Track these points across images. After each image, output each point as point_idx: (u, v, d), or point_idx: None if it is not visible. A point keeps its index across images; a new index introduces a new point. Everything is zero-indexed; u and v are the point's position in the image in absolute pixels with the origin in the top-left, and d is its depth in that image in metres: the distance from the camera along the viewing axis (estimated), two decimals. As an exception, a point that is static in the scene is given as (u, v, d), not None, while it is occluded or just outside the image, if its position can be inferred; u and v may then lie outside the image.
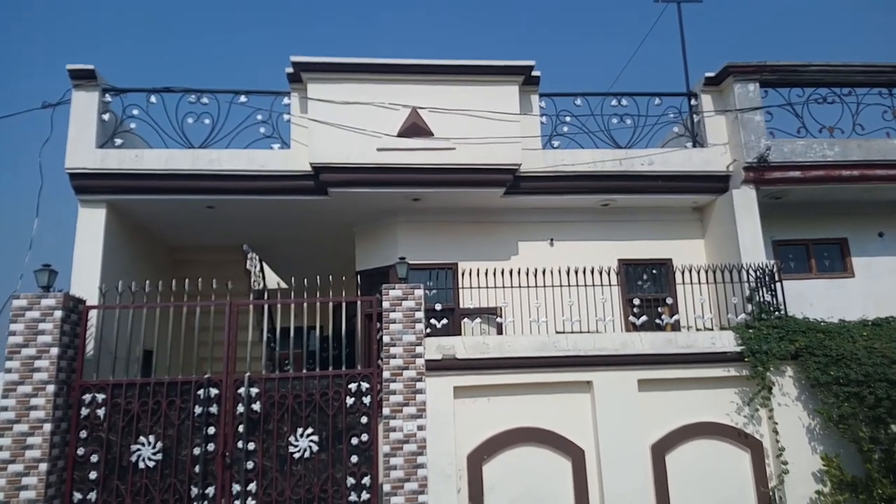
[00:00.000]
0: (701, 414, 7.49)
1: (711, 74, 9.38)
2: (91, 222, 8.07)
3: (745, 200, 8.98)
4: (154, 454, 6.65)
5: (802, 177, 8.97)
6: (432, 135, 8.37)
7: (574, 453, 7.27)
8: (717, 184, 9.21)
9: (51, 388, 6.47)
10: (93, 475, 6.55)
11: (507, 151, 8.48)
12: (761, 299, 8.24)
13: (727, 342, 7.62)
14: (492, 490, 7.08)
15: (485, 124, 8.45)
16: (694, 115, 9.57)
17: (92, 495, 6.51)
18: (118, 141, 8.33)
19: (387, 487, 6.72)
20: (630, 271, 9.61)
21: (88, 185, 8.06)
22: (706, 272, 8.42)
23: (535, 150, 8.95)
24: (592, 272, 8.14)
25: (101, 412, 6.70)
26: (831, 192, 9.37)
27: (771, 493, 7.27)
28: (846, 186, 9.15)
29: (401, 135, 8.33)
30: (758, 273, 8.39)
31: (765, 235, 8.98)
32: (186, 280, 7.36)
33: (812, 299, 9.21)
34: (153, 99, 8.42)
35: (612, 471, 7.15)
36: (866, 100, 9.38)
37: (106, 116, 8.35)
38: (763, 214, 9.01)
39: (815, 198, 9.60)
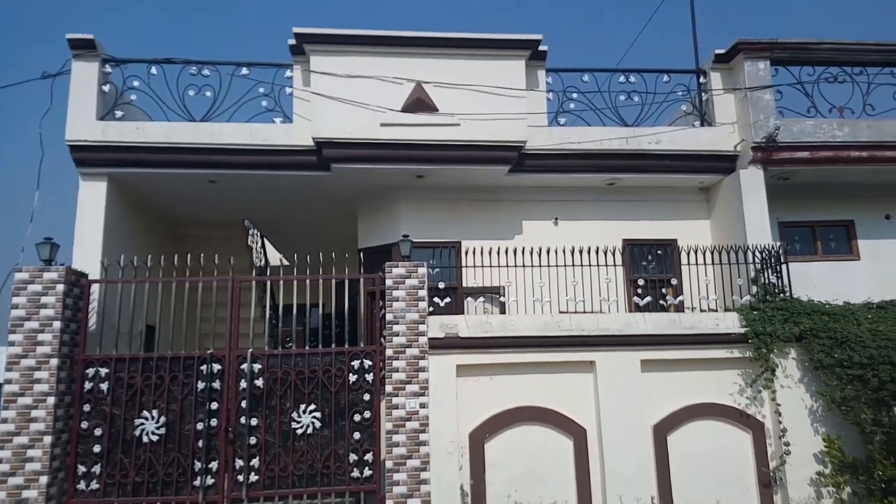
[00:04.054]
0: (704, 395, 7.50)
1: (721, 51, 9.22)
2: (92, 195, 8.00)
3: (752, 181, 8.89)
4: (157, 428, 6.67)
5: (811, 157, 8.88)
6: (437, 110, 8.25)
7: (576, 433, 7.30)
8: (724, 163, 9.11)
9: (54, 362, 6.46)
10: (97, 448, 6.57)
11: (513, 128, 8.36)
12: (766, 281, 8.21)
13: (731, 323, 7.60)
14: (493, 467, 7.12)
15: (490, 100, 8.32)
16: (703, 93, 9.42)
17: (96, 468, 6.54)
18: (119, 113, 8.22)
19: (389, 464, 6.75)
20: (635, 251, 9.55)
21: (89, 157, 7.97)
22: (711, 253, 8.36)
23: (541, 127, 8.83)
24: (597, 252, 8.09)
25: (104, 386, 6.70)
26: (839, 173, 9.28)
27: (772, 474, 7.31)
28: (854, 168, 9.06)
29: (405, 110, 8.21)
30: (763, 254, 8.34)
31: (771, 217, 8.90)
32: (188, 255, 7.32)
33: (817, 282, 9.15)
34: (154, 70, 8.28)
35: (613, 450, 7.18)
36: (878, 79, 9.24)
37: (106, 88, 8.22)
38: (770, 195, 8.93)
39: (823, 179, 9.51)
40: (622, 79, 9.13)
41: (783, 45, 9.01)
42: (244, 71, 8.39)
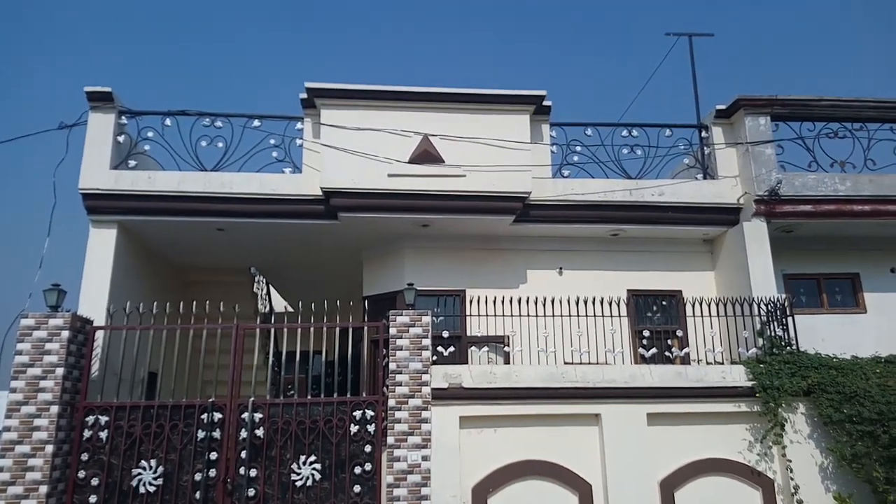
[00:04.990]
0: (711, 450, 7.35)
1: (722, 107, 9.41)
2: (102, 243, 8.10)
3: (755, 233, 8.93)
4: (155, 479, 6.57)
5: (814, 211, 8.93)
6: (443, 162, 8.41)
7: (581, 488, 7.14)
8: (727, 216, 9.18)
9: (54, 409, 6.43)
10: (93, 499, 6.46)
11: (518, 179, 8.49)
12: (772, 334, 8.15)
13: (738, 377, 7.51)
14: (497, 524, 6.94)
15: (495, 152, 8.48)
16: (705, 147, 9.57)
17: (91, 519, 6.42)
18: (132, 162, 8.41)
19: (390, 519, 6.60)
20: (639, 302, 9.52)
21: (101, 205, 8.12)
22: (716, 305, 8.33)
23: (546, 178, 8.95)
24: (601, 302, 8.08)
25: (103, 435, 6.65)
26: (843, 226, 9.32)
27: (783, 534, 7.10)
28: (858, 221, 9.09)
29: (412, 161, 8.37)
30: (769, 307, 8.30)
31: (776, 269, 8.90)
32: (194, 302, 7.35)
33: (824, 334, 9.07)
34: (168, 122, 8.52)
35: (619, 507, 6.99)
36: (878, 135, 9.37)
37: (121, 138, 8.43)
38: (774, 248, 8.95)
39: (827, 232, 9.55)
40: (625, 133, 9.31)
41: (783, 102, 9.19)
42: (256, 123, 8.62)
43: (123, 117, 8.53)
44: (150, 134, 8.54)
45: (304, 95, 8.52)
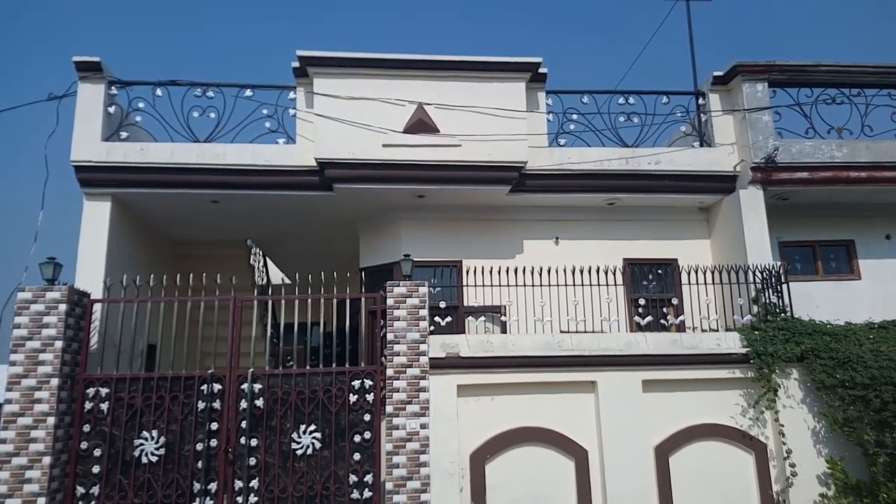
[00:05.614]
0: (705, 415, 7.46)
1: (720, 73, 9.31)
2: (96, 215, 8.05)
3: (751, 201, 8.92)
4: (157, 449, 6.65)
5: (810, 178, 8.91)
6: (438, 131, 8.33)
7: (577, 453, 7.26)
8: (723, 184, 9.15)
9: (55, 382, 6.46)
10: (96, 469, 6.55)
11: (514, 149, 8.43)
12: (767, 301, 8.20)
13: (732, 343, 7.59)
14: (494, 490, 7.07)
15: (491, 121, 8.40)
16: (701, 115, 9.49)
17: (95, 489, 6.51)
18: (123, 134, 8.31)
19: (389, 485, 6.71)
20: (635, 271, 9.56)
21: (94, 178, 8.04)
22: (712, 273, 8.37)
23: (542, 147, 8.90)
24: (597, 271, 8.10)
25: (104, 406, 6.70)
26: (839, 193, 9.31)
27: (775, 496, 7.25)
28: (854, 188, 9.09)
29: (406, 131, 8.28)
30: (764, 274, 8.34)
31: (771, 236, 8.90)
32: (191, 274, 7.35)
33: (818, 301, 9.15)
34: (159, 92, 8.39)
35: (615, 471, 7.13)
36: (875, 101, 9.29)
37: (112, 109, 8.32)
38: (770, 215, 8.95)
39: (823, 199, 9.54)
40: (621, 100, 9.22)
41: (781, 68, 9.10)
42: (248, 93, 8.49)
43: (113, 88, 8.40)
44: (140, 105, 8.41)
45: (297, 64, 8.39)
